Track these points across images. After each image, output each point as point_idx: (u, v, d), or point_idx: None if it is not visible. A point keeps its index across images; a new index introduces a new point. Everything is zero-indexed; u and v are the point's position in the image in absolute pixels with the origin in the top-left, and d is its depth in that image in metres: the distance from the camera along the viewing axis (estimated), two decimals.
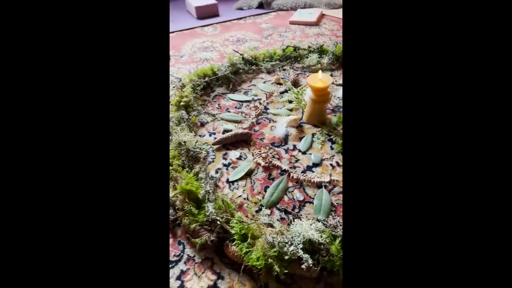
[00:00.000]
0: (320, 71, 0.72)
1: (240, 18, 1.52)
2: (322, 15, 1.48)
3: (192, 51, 1.21)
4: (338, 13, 1.49)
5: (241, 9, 1.64)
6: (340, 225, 0.49)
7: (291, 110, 0.84)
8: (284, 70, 1.03)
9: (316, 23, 1.38)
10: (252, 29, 1.39)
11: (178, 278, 0.48)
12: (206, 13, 1.53)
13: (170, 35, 1.34)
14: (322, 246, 0.44)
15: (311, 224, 0.47)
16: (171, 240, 0.54)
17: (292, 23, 1.41)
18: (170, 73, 1.04)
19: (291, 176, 0.63)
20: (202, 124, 0.81)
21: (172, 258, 0.51)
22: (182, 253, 0.52)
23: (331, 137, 0.73)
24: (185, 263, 0.50)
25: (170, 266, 0.50)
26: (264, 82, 0.97)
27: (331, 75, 0.99)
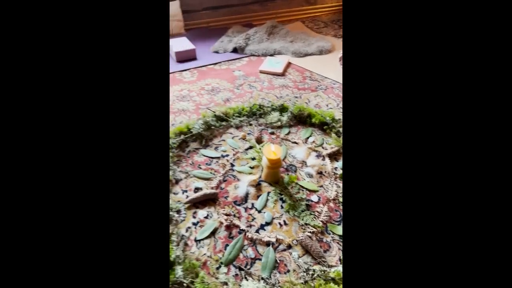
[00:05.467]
0: (271, 144, 0.89)
1: (216, 64, 1.68)
2: (289, 64, 1.67)
3: (171, 100, 1.35)
4: (303, 62, 1.69)
5: (217, 52, 1.81)
6: (279, 283, 0.65)
7: (252, 167, 1.01)
8: (250, 125, 1.20)
9: (283, 74, 1.57)
10: (225, 76, 1.55)
11: None
12: (185, 57, 1.68)
13: None
14: None
15: (256, 286, 0.63)
16: None
17: (261, 72, 1.59)
18: None
19: (246, 235, 0.79)
20: (177, 181, 0.95)
21: None
22: None
23: (282, 196, 0.90)
24: None
25: None
26: (232, 138, 1.13)
27: (289, 132, 1.16)
